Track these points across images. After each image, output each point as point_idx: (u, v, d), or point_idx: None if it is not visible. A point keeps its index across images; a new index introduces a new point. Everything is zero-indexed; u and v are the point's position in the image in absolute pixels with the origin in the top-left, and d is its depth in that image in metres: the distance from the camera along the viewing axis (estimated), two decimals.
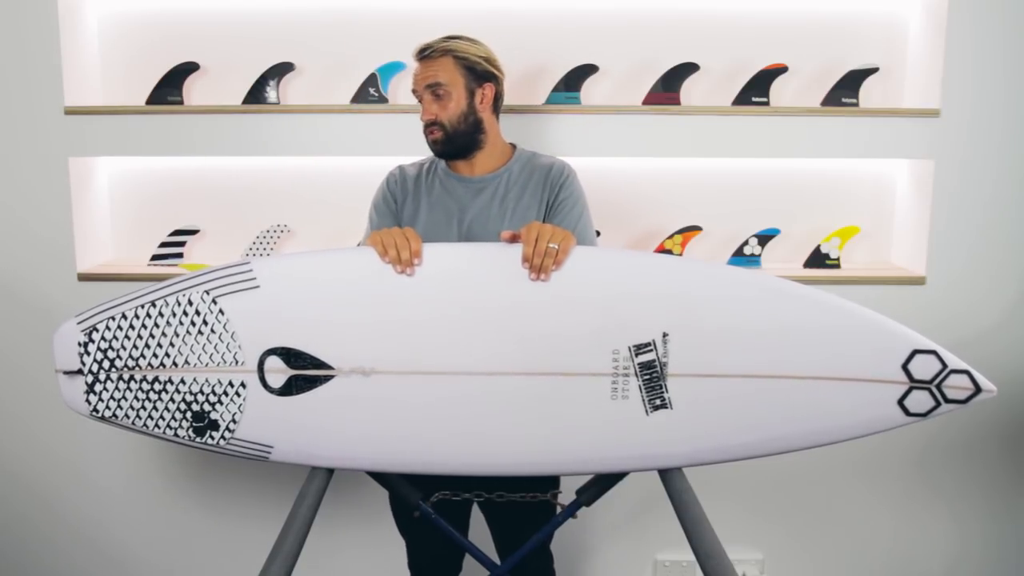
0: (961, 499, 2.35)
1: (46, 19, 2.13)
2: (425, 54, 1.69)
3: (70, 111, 2.17)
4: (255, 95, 2.20)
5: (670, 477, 1.45)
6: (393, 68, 2.20)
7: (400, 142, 2.13)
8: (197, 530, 2.38)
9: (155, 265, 2.27)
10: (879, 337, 1.40)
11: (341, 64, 2.25)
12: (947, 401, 1.39)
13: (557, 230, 1.43)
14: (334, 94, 2.25)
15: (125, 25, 2.28)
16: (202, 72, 2.24)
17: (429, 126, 1.69)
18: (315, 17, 2.25)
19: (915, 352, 1.39)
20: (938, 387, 1.39)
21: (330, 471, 1.46)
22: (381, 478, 1.57)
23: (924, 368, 1.39)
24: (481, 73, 1.70)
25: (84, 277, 2.23)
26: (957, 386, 1.39)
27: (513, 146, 1.80)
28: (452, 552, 1.84)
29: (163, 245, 2.28)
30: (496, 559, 1.80)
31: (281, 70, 2.21)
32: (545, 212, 1.71)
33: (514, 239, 1.44)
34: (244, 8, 2.26)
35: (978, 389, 1.38)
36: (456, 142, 1.70)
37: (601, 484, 1.55)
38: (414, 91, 1.72)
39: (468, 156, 1.73)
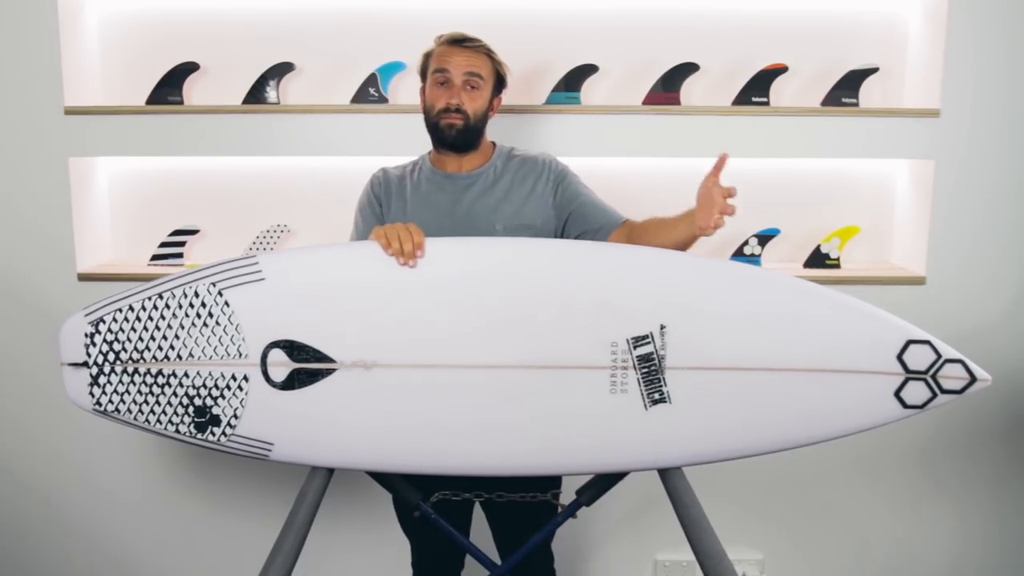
0: (963, 496, 2.35)
1: (46, 19, 2.13)
2: (468, 44, 1.72)
3: (70, 111, 2.17)
4: (255, 95, 2.20)
5: (670, 477, 1.45)
6: (393, 68, 2.20)
7: (400, 142, 2.13)
8: (197, 529, 2.38)
9: (155, 265, 2.26)
10: (874, 328, 1.41)
11: (341, 64, 2.26)
12: (943, 392, 1.40)
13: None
14: (334, 94, 2.25)
15: (125, 25, 2.28)
16: (202, 72, 2.24)
17: (451, 111, 1.70)
18: (315, 17, 2.26)
19: (909, 342, 1.39)
20: (933, 377, 1.39)
21: (330, 471, 1.46)
22: (381, 479, 1.57)
23: (919, 358, 1.39)
24: (502, 83, 1.79)
25: (84, 277, 2.23)
26: (952, 376, 1.39)
27: (493, 144, 1.84)
28: (455, 552, 1.84)
29: (163, 245, 2.28)
30: (497, 559, 1.80)
31: (281, 70, 2.21)
32: (553, 202, 1.75)
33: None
34: (244, 8, 2.26)
35: (973, 378, 1.39)
36: (468, 135, 1.73)
37: (601, 484, 1.55)
38: (439, 70, 1.71)
39: (464, 153, 1.76)
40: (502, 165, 1.78)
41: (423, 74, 1.78)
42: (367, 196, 1.80)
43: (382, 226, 1.47)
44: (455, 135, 1.72)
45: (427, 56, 1.76)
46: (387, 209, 1.77)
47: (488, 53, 1.74)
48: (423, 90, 1.79)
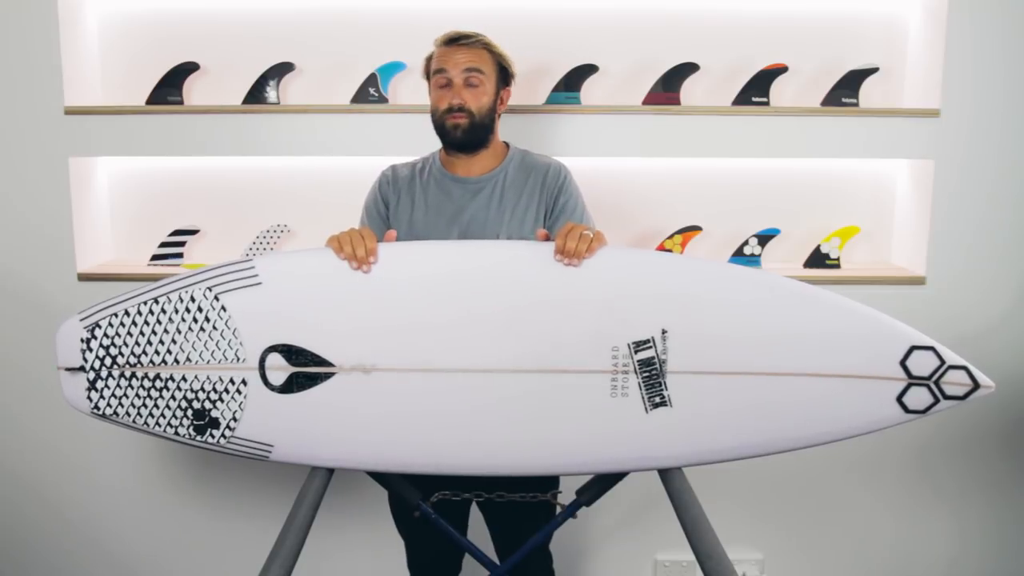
0: (961, 498, 2.35)
1: (46, 19, 2.13)
2: (465, 41, 1.70)
3: (70, 111, 2.17)
4: (255, 95, 2.20)
5: (670, 477, 1.45)
6: (393, 68, 2.20)
7: (400, 142, 2.12)
8: (198, 529, 2.38)
9: (155, 265, 2.26)
10: (877, 334, 1.40)
11: (341, 64, 2.25)
12: (946, 397, 1.39)
13: (591, 228, 1.47)
14: (334, 94, 2.25)
15: (125, 25, 2.28)
16: (202, 72, 2.24)
17: (455, 111, 1.68)
18: (315, 17, 2.25)
19: (913, 348, 1.39)
20: (936, 383, 1.39)
21: (330, 471, 1.46)
22: (381, 478, 1.57)
23: (922, 364, 1.39)
24: (507, 76, 1.76)
25: (84, 277, 2.23)
26: (955, 382, 1.39)
27: (506, 145, 1.81)
28: (451, 552, 1.84)
29: (163, 245, 2.28)
30: (495, 559, 1.80)
31: (281, 70, 2.21)
32: (545, 216, 1.72)
33: (547, 239, 1.48)
34: (244, 8, 2.26)
35: (976, 385, 1.39)
36: (475, 133, 1.70)
37: (601, 484, 1.55)
38: (438, 71, 1.69)
39: (474, 152, 1.73)
40: (513, 171, 1.75)
41: (428, 78, 1.76)
42: (373, 196, 1.78)
43: (336, 234, 1.47)
44: (461, 135, 1.69)
45: (428, 59, 1.74)
46: (394, 209, 1.74)
47: (486, 46, 1.71)
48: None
